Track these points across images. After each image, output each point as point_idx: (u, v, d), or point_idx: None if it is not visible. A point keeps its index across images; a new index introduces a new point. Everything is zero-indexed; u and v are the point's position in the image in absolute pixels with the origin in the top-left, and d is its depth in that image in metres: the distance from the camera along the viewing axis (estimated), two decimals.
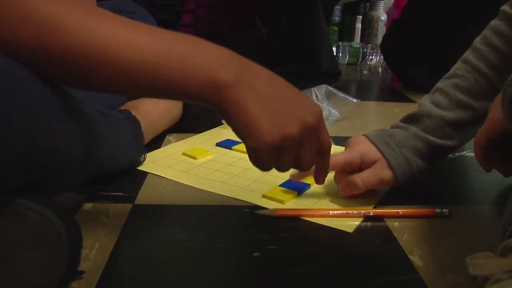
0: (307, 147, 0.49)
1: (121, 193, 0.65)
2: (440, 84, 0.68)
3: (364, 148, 0.64)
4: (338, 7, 2.10)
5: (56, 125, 0.46)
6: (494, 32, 0.65)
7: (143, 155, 0.75)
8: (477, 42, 0.67)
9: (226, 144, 0.85)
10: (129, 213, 0.60)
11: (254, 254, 0.52)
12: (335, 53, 1.89)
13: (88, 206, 0.61)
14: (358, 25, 2.11)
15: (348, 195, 0.64)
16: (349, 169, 0.64)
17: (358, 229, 0.58)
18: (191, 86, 0.42)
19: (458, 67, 0.67)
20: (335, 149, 0.87)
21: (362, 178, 0.62)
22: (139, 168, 0.73)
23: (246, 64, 0.46)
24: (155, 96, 0.45)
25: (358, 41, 2.11)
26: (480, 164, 0.62)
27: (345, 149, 0.66)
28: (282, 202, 0.64)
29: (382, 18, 2.06)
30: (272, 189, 0.67)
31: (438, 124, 0.64)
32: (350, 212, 0.60)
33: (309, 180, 0.68)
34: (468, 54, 0.67)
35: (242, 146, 0.83)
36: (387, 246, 0.55)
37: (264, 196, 0.65)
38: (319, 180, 0.58)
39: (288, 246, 0.54)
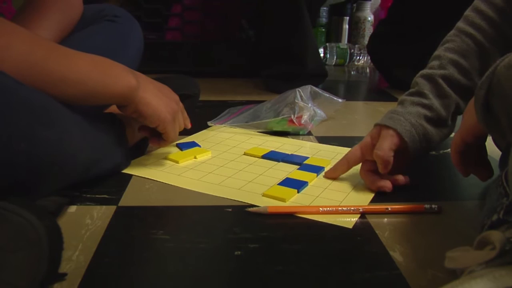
0: (180, 116, 0.74)
1: (105, 195, 0.65)
2: (435, 52, 0.72)
3: (371, 132, 0.69)
4: (325, 8, 2.10)
5: (40, 130, 0.47)
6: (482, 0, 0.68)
7: (127, 158, 0.75)
8: (467, 10, 0.70)
9: None
10: (113, 215, 0.60)
11: (236, 253, 0.52)
12: (322, 55, 1.90)
13: (72, 208, 0.61)
14: (345, 26, 2.12)
15: (386, 172, 0.67)
16: (367, 155, 0.69)
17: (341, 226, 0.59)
18: (117, 90, 0.61)
19: (449, 33, 0.71)
20: (320, 147, 0.88)
21: (377, 148, 0.66)
22: (124, 171, 0.74)
23: (136, 72, 0.66)
24: (93, 103, 0.61)
25: (346, 42, 2.12)
26: (457, 169, 0.63)
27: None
28: (283, 200, 0.64)
29: (369, 18, 2.07)
30: (272, 188, 0.68)
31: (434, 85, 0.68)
32: (340, 208, 0.61)
33: (306, 177, 0.71)
34: (458, 22, 0.71)
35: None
36: (369, 243, 0.55)
37: (264, 195, 0.66)
38: (188, 125, 0.79)
39: (270, 244, 0.54)
